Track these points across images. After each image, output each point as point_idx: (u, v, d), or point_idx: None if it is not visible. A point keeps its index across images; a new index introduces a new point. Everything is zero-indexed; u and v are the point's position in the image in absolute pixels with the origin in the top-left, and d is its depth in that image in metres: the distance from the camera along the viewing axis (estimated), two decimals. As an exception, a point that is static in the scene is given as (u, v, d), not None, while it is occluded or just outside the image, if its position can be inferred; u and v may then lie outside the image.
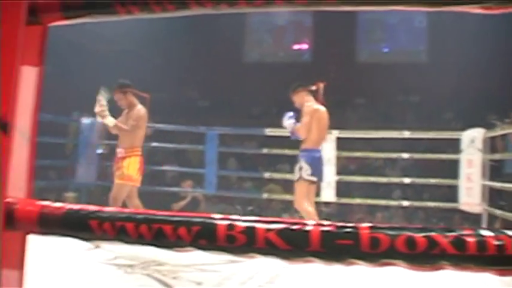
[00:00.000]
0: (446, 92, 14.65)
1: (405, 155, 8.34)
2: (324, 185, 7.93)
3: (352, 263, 1.06)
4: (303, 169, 5.32)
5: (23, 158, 1.39)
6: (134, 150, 5.39)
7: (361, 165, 12.84)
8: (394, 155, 8.84)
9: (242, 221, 1.10)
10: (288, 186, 11.17)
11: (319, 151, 5.52)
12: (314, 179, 5.40)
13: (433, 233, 1.06)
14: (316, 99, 5.58)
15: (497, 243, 1.04)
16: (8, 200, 1.31)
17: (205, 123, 11.24)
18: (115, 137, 9.36)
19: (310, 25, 17.30)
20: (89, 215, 1.22)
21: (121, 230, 1.16)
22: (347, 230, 1.06)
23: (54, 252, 4.33)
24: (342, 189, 8.36)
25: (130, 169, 5.27)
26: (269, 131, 8.56)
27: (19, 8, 1.38)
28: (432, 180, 8.28)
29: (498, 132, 7.50)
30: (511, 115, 8.22)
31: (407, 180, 8.40)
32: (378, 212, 9.85)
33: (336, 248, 1.05)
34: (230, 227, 1.09)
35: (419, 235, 1.05)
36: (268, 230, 1.07)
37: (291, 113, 5.63)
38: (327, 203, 8.65)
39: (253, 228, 1.08)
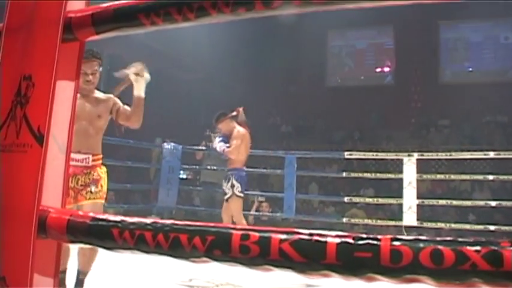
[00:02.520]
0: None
1: (490, 177, 7.93)
2: (405, 209, 7.69)
3: (372, 278, 0.97)
4: (235, 187, 5.80)
5: (59, 170, 1.41)
6: None
7: (447, 188, 12.38)
8: (479, 177, 8.44)
9: (257, 231, 1.04)
10: (370, 210, 10.96)
11: (245, 170, 6.08)
12: (243, 195, 5.91)
13: (463, 246, 0.95)
14: (239, 123, 5.98)
15: (539, 257, 0.92)
16: (41, 208, 1.33)
17: (287, 148, 11.24)
18: (195, 162, 9.61)
19: (391, 47, 17.02)
20: (111, 223, 1.21)
21: (139, 238, 1.14)
22: (366, 242, 0.97)
23: (128, 269, 4.40)
24: (426, 213, 8.08)
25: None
26: (348, 154, 8.41)
27: (55, 25, 1.41)
28: (520, 203, 7.82)
29: None
30: None
31: (493, 203, 7.97)
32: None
33: (354, 261, 0.97)
34: (244, 236, 1.04)
35: (446, 248, 0.95)
36: (283, 240, 1.01)
37: (220, 137, 6.01)
38: (408, 227, 8.35)
39: (268, 238, 1.02)
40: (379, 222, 8.33)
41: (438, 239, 0.97)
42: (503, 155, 7.82)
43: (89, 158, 3.53)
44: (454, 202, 8.41)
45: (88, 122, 3.53)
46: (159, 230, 1.13)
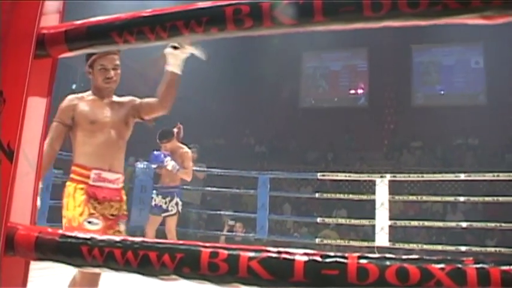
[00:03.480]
0: (507, 133, 14.21)
1: (461, 199, 8.04)
2: (377, 229, 7.75)
3: (339, 295, 0.99)
4: (179, 204, 6.10)
5: (29, 186, 1.41)
6: None
7: (420, 210, 12.51)
8: (450, 199, 8.54)
9: (226, 249, 1.05)
10: (343, 231, 11.01)
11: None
12: None
13: (428, 264, 0.97)
14: (178, 140, 6.20)
15: (503, 274, 0.95)
16: (9, 225, 1.32)
17: (261, 168, 11.26)
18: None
19: (365, 69, 17.26)
20: (80, 241, 1.20)
21: (109, 256, 1.14)
22: (333, 260, 0.99)
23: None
24: (399, 234, 8.13)
25: None
26: (321, 175, 8.46)
27: (28, 41, 1.41)
28: (491, 224, 7.92)
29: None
30: None
31: (464, 224, 8.07)
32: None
33: (321, 278, 0.98)
34: (213, 254, 1.04)
35: (412, 266, 0.97)
36: (251, 258, 1.02)
37: (161, 153, 6.03)
38: (380, 248, 8.40)
39: (237, 256, 1.03)
40: (352, 243, 8.37)
41: (404, 257, 0.99)
42: (474, 176, 7.94)
43: (120, 178, 2.91)
44: (426, 223, 8.48)
45: (116, 131, 2.92)
46: (128, 248, 1.13)
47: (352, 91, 17.69)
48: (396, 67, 16.20)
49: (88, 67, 2.92)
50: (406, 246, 8.41)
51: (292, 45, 15.44)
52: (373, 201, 7.80)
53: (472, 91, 16.14)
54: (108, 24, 1.33)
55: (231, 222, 9.44)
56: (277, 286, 1.00)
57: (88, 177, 2.82)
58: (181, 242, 1.12)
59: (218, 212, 10.86)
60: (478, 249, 8.35)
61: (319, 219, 8.93)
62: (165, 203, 6.03)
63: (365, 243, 8.22)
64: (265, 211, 8.51)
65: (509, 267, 0.95)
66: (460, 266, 0.97)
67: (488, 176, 7.97)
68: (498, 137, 14.27)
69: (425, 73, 16.80)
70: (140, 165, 9.06)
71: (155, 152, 6.07)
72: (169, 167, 5.87)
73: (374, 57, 16.56)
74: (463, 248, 7.96)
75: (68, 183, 2.86)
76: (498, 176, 7.89)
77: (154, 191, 6.41)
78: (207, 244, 1.08)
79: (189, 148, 9.13)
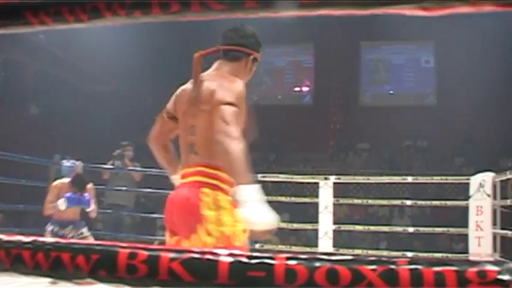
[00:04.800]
0: (456, 135, 14.65)
1: (408, 202, 8.24)
2: (320, 234, 7.83)
3: (268, 299, 0.99)
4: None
5: None
6: None
7: (365, 214, 12.75)
8: (397, 202, 8.73)
9: (146, 249, 1.04)
10: (284, 236, 11.08)
11: None
12: None
13: (359, 265, 0.99)
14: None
15: (436, 275, 0.97)
16: None
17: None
18: (99, 182, 9.38)
19: (311, 66, 17.42)
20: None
21: (16, 258, 1.11)
22: (260, 261, 0.99)
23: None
24: (343, 239, 8.24)
25: None
26: (262, 177, 8.48)
27: None
28: (438, 229, 8.15)
29: (508, 175, 7.31)
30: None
31: (411, 229, 8.27)
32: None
33: (247, 280, 0.98)
34: (132, 255, 1.03)
35: (343, 267, 0.98)
36: (173, 259, 1.01)
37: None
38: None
39: (157, 257, 1.02)
40: (294, 249, 8.43)
41: (334, 258, 1.01)
42: (421, 179, 8.15)
43: None
44: (372, 228, 8.66)
45: None
46: (39, 249, 1.10)
47: (297, 88, 17.83)
48: (344, 64, 16.42)
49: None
50: (350, 251, 8.55)
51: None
52: (317, 204, 7.89)
53: (422, 91, 16.55)
54: (21, 3, 1.29)
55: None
56: (201, 289, 1.00)
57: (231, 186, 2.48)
58: (97, 242, 1.10)
59: (152, 215, 10.74)
60: (425, 255, 8.59)
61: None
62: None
63: (307, 249, 8.30)
64: (202, 215, 8.45)
65: (442, 267, 0.98)
66: (392, 267, 0.99)
67: (437, 179, 8.19)
68: (447, 139, 14.70)
69: (374, 71, 17.09)
70: (67, 163, 8.85)
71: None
72: (62, 207, 6.16)
73: (321, 53, 16.74)
74: (409, 254, 8.15)
75: (217, 192, 2.49)
76: (447, 179, 8.13)
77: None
78: (125, 244, 1.07)
79: (124, 146, 9.03)
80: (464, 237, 7.46)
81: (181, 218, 2.48)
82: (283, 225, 9.46)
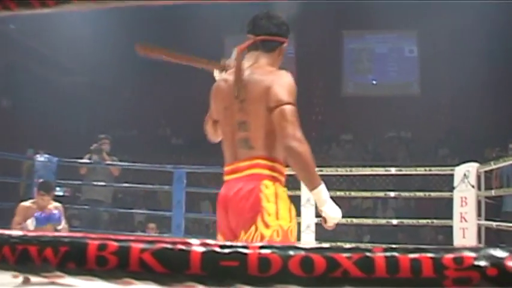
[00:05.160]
0: (440, 126, 14.75)
1: (392, 194, 8.29)
2: (303, 228, 7.85)
3: (241, 289, 1.00)
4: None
5: None
6: None
7: (349, 206, 12.80)
8: (380, 194, 8.78)
9: (116, 241, 1.03)
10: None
11: None
12: None
13: (334, 253, 0.99)
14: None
15: (412, 262, 0.98)
16: None
17: (178, 162, 11.18)
18: (74, 177, 9.34)
19: (292, 55, 17.40)
20: None
21: (-20, 253, 1.10)
22: (233, 250, 0.99)
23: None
24: (326, 232, 8.23)
25: None
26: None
27: None
28: (422, 221, 8.22)
29: (493, 166, 7.38)
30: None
31: (395, 221, 8.33)
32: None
33: (220, 270, 0.98)
34: (101, 246, 1.03)
35: (317, 255, 0.99)
36: (143, 249, 1.01)
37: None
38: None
39: (127, 247, 1.02)
40: (276, 243, 8.46)
41: (309, 246, 1.01)
42: (405, 171, 8.21)
43: None
44: (355, 220, 8.69)
45: None
46: (4, 242, 1.09)
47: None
48: (326, 54, 16.44)
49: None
50: (333, 245, 8.59)
51: (211, 27, 15.35)
52: (299, 197, 7.91)
53: (405, 81, 16.64)
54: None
55: (152, 225, 9.31)
56: (172, 279, 0.99)
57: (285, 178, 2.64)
58: (66, 234, 1.10)
59: (130, 211, 10.73)
60: (410, 247, 8.65)
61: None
62: None
63: (290, 243, 8.33)
64: (181, 209, 8.45)
65: (419, 254, 0.99)
66: (368, 254, 1.00)
67: (421, 171, 8.25)
68: (431, 130, 14.81)
69: (357, 61, 17.13)
70: (40, 158, 8.79)
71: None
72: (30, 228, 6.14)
73: (302, 42, 16.72)
74: (394, 246, 8.20)
75: (277, 184, 2.59)
76: (431, 170, 8.20)
77: None
78: (95, 236, 1.06)
79: (101, 140, 8.98)
80: (449, 229, 7.52)
81: (240, 212, 2.52)
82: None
